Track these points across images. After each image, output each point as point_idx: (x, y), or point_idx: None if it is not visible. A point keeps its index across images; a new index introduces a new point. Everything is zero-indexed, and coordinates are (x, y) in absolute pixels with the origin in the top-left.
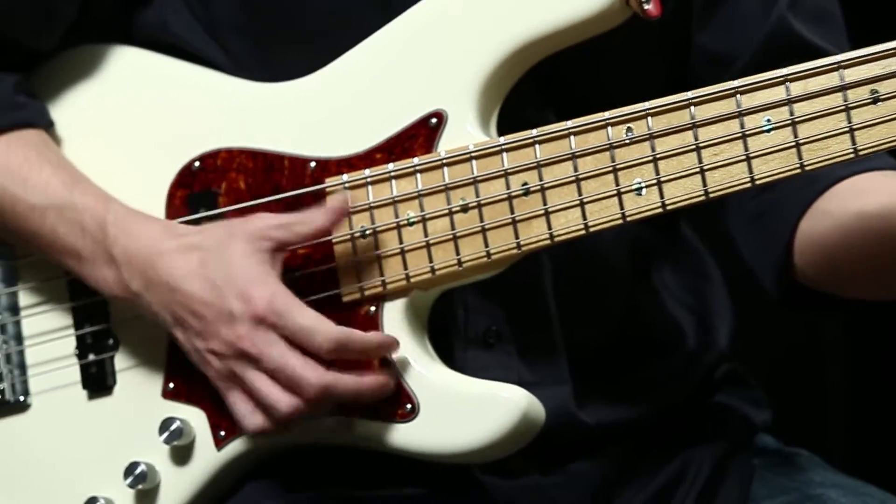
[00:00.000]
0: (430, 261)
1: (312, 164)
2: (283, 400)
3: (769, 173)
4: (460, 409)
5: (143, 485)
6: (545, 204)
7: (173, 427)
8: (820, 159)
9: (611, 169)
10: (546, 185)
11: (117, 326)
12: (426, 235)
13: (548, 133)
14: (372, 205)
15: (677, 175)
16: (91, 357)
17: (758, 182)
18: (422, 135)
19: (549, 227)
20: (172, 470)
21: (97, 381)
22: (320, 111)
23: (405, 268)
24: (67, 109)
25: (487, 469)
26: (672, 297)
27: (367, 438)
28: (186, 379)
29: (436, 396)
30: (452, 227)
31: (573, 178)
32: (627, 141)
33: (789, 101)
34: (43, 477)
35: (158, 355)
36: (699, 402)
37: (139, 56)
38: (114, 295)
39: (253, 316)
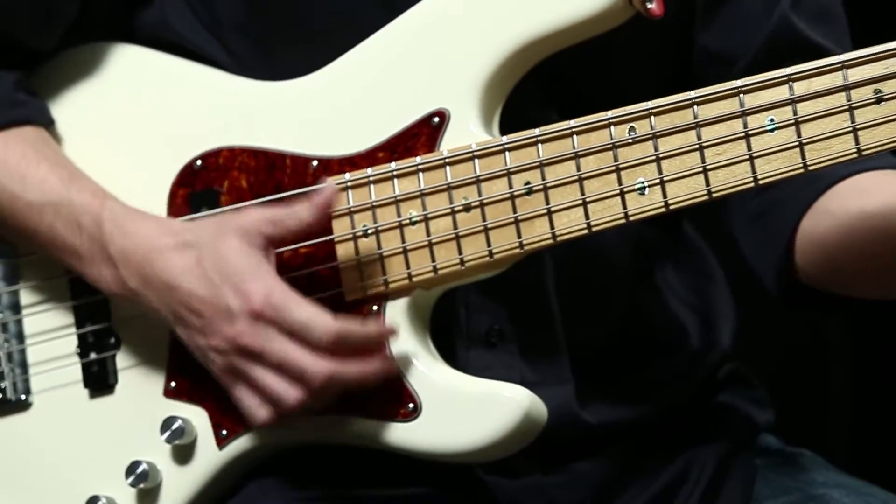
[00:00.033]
0: (433, 260)
1: (314, 162)
2: (289, 392)
3: (772, 173)
4: (462, 409)
5: (145, 484)
6: (548, 203)
7: (175, 426)
8: (823, 159)
9: (613, 168)
10: (549, 185)
11: (119, 325)
12: (428, 235)
13: (550, 132)
14: (374, 204)
15: (680, 175)
16: (92, 356)
17: (761, 182)
18: (424, 134)
19: (552, 227)
20: (174, 469)
21: (98, 380)
22: (322, 110)
23: (407, 267)
24: (69, 108)
25: (489, 468)
26: (675, 296)
27: (369, 438)
28: (188, 378)
29: (438, 396)
30: (455, 227)
31: (576, 178)
32: (630, 140)
33: (793, 101)
34: (44, 476)
35: (160, 354)
36: (702, 401)
37: (141, 54)
38: (113, 293)
39: (251, 311)
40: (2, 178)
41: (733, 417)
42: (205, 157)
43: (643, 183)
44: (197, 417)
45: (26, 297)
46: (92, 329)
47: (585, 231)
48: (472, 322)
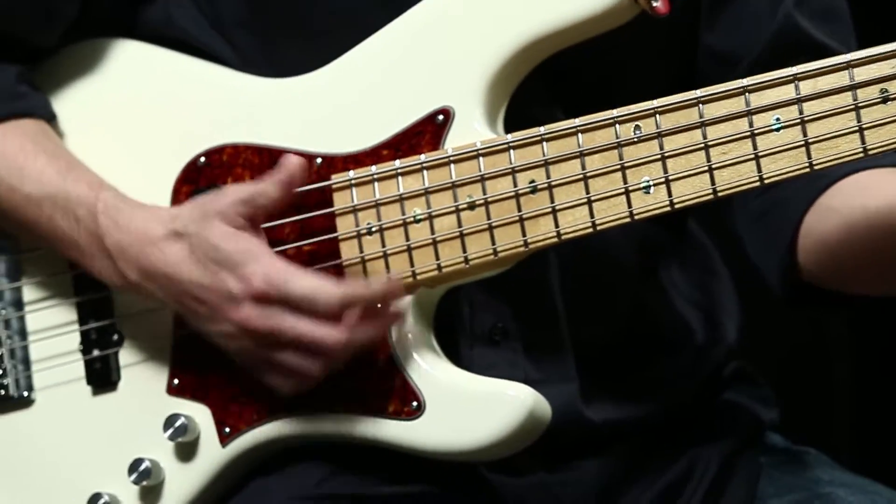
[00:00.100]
0: (437, 258)
1: (318, 160)
2: (309, 365)
3: (778, 172)
4: (466, 407)
5: (148, 481)
6: (552, 202)
7: (178, 423)
8: (829, 158)
9: (619, 167)
10: (553, 183)
11: (122, 322)
12: (433, 232)
13: (555, 130)
14: (378, 202)
15: (685, 174)
16: (95, 353)
17: (766, 181)
18: (428, 131)
19: (557, 225)
20: (177, 466)
21: (101, 377)
22: (327, 107)
23: (411, 265)
24: (72, 104)
25: (493, 467)
26: (680, 294)
27: (372, 436)
28: (191, 375)
29: (442, 394)
30: (459, 225)
31: (581, 176)
32: (636, 139)
33: (799, 100)
34: (47, 473)
35: (163, 351)
36: (707, 400)
37: (144, 50)
38: (116, 286)
39: (253, 294)
40: (0, 171)
41: (738, 416)
42: (208, 153)
43: (648, 182)
44: (200, 415)
45: (29, 293)
46: (95, 326)
47: (590, 230)
48: (476, 320)
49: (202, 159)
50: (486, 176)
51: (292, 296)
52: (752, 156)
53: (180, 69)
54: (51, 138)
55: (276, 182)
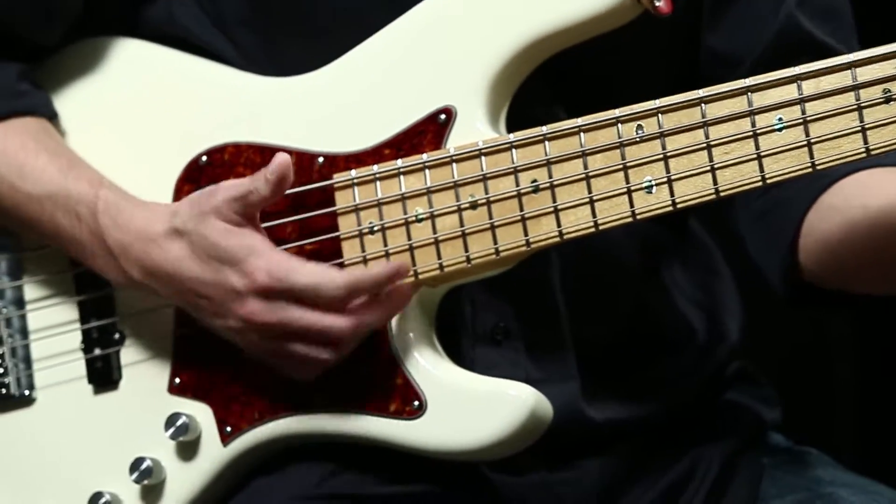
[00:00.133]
0: (439, 257)
1: (320, 159)
2: (320, 354)
3: (780, 172)
4: (468, 407)
5: (149, 480)
6: (554, 201)
7: (179, 422)
8: (831, 158)
9: (621, 167)
10: (555, 183)
11: (123, 321)
12: (435, 232)
13: (558, 130)
14: (380, 201)
15: (688, 173)
16: (97, 351)
17: (769, 181)
18: (430, 131)
19: (559, 225)
20: (178, 465)
21: (103, 376)
22: (329, 106)
23: (413, 264)
24: (74, 103)
25: (495, 466)
26: (681, 294)
27: (374, 435)
28: (193, 374)
29: (443, 393)
30: (461, 224)
31: (583, 176)
32: (638, 139)
33: (801, 100)
34: (48, 472)
35: (165, 350)
36: (709, 399)
37: (146, 49)
38: (119, 283)
39: (257, 289)
40: (1, 169)
41: (740, 416)
42: (210, 152)
43: (650, 181)
44: (201, 414)
45: (30, 292)
46: (96, 325)
47: (592, 229)
48: (477, 319)
49: (204, 158)
50: (488, 175)
51: (296, 287)
52: (755, 156)
53: (182, 68)
54: (52, 136)
55: (266, 181)
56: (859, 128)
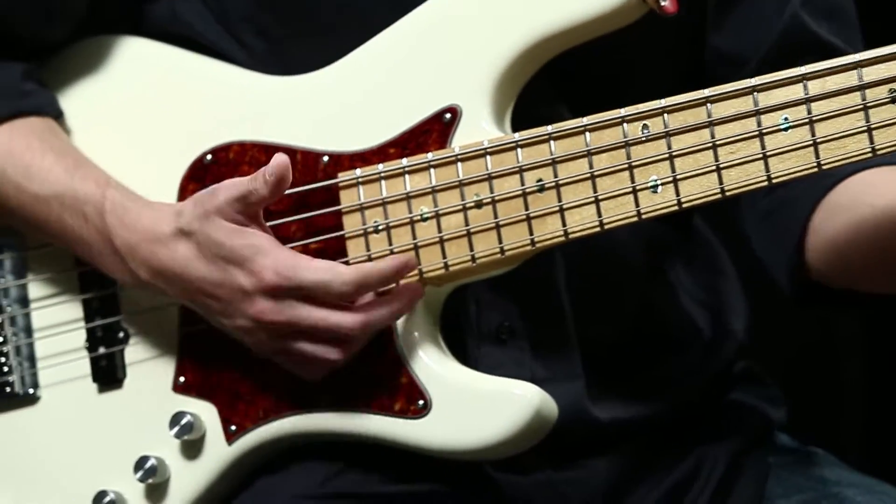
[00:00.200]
0: (444, 256)
1: (325, 158)
2: (330, 352)
3: (786, 172)
4: (473, 406)
5: (154, 479)
6: (560, 201)
7: (184, 421)
8: (837, 158)
9: (626, 166)
10: (561, 182)
11: (128, 320)
12: (440, 231)
13: (563, 129)
14: (385, 200)
15: (693, 173)
16: (101, 350)
17: (774, 181)
18: (436, 130)
19: (564, 224)
20: (183, 464)
21: (107, 375)
22: (334, 105)
23: (418, 263)
24: (78, 101)
25: (500, 465)
26: (687, 293)
27: (378, 434)
28: (197, 373)
29: (448, 393)
30: (466, 223)
31: (588, 175)
32: (643, 138)
33: (807, 100)
34: (52, 471)
35: (169, 349)
36: (714, 399)
37: (150, 47)
38: (127, 283)
39: (265, 288)
40: (7, 169)
41: (746, 415)
42: (215, 151)
43: (656, 181)
44: (206, 413)
45: (35, 290)
46: (101, 323)
47: (597, 229)
48: (482, 319)
49: (209, 157)
50: (494, 174)
51: (304, 284)
52: (761, 155)
53: (187, 66)
54: (58, 136)
55: (265, 182)
56: (865, 128)
